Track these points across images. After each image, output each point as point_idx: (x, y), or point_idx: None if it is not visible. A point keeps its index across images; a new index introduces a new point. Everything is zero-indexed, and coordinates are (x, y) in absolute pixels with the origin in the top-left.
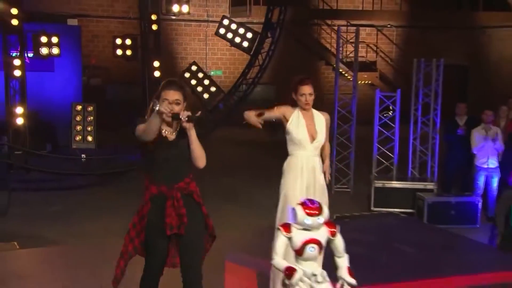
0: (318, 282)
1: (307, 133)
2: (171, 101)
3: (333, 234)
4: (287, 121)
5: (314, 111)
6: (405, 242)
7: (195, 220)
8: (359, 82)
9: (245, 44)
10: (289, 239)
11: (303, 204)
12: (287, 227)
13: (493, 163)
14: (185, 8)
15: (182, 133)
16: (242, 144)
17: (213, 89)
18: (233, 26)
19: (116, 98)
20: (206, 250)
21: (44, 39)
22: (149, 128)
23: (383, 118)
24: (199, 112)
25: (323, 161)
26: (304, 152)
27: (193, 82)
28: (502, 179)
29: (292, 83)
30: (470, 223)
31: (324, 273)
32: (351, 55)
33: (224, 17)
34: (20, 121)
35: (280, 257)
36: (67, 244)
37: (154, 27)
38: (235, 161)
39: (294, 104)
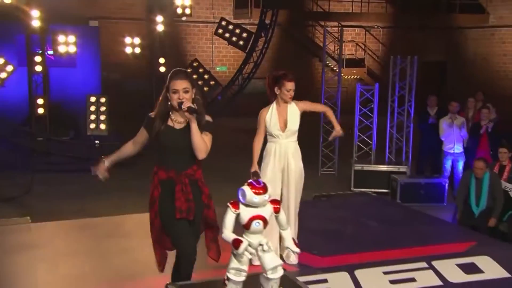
0: (264, 251)
1: (278, 124)
2: (180, 89)
3: (276, 210)
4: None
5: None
6: (372, 218)
7: (198, 206)
8: (349, 76)
9: (241, 42)
10: (237, 215)
11: (250, 184)
12: (235, 204)
13: (458, 148)
14: (187, 11)
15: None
16: (237, 131)
17: (212, 83)
18: (230, 27)
19: (132, 91)
20: (208, 245)
21: (62, 38)
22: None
23: (363, 109)
24: (194, 104)
25: (331, 123)
26: (277, 140)
27: (194, 76)
28: (467, 162)
29: (274, 78)
30: (438, 202)
31: (270, 243)
32: (332, 50)
33: (222, 19)
34: (41, 111)
35: (229, 231)
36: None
37: (160, 27)
38: (231, 146)
39: (273, 96)
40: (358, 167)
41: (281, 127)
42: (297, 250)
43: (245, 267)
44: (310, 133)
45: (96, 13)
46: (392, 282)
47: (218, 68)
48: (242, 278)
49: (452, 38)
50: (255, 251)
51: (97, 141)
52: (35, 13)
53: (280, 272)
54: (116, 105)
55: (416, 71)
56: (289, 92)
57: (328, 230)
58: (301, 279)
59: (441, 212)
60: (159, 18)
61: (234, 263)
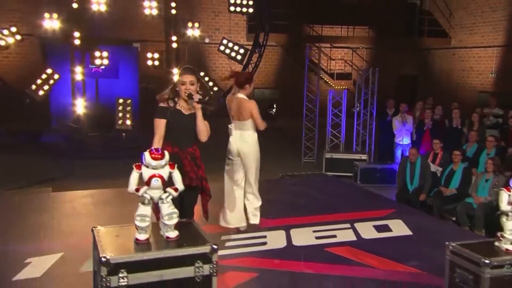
0: (163, 203)
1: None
2: (188, 82)
3: (172, 167)
4: None
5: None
6: (320, 192)
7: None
8: (339, 87)
9: (238, 57)
10: (140, 174)
11: (150, 151)
12: (138, 166)
13: (406, 140)
14: (196, 33)
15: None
16: None
17: (215, 88)
18: (230, 44)
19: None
20: (204, 206)
21: (97, 53)
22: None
23: (335, 110)
24: (207, 98)
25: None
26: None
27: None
28: None
29: (248, 78)
30: (390, 183)
31: (169, 198)
32: (332, 68)
33: (224, 38)
34: (80, 110)
35: (133, 185)
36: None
37: (174, 45)
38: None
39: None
40: (328, 155)
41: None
42: (175, 193)
43: (149, 214)
44: (296, 130)
45: (137, 36)
46: (317, 238)
47: None
48: (146, 223)
49: (422, 57)
50: (150, 197)
51: (123, 134)
52: (77, 34)
53: (174, 220)
54: (151, 109)
55: (377, 80)
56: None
57: (282, 200)
58: (246, 235)
59: (392, 191)
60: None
61: (139, 211)
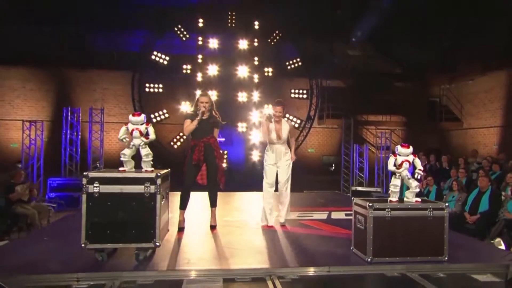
0: (142, 147)
1: (275, 134)
2: (204, 101)
3: (147, 124)
4: None
5: (283, 121)
6: (324, 199)
7: (211, 157)
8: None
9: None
10: (127, 128)
11: (133, 113)
12: (126, 123)
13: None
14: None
15: (210, 117)
16: None
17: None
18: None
19: None
20: (219, 178)
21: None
22: (191, 128)
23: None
24: (219, 119)
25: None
26: (273, 145)
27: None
28: None
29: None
30: None
31: (145, 144)
32: (377, 143)
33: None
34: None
35: (121, 135)
36: None
37: None
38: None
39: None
40: (353, 188)
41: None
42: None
43: (127, 154)
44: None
45: None
46: (298, 216)
47: (310, 150)
48: (126, 158)
49: (442, 136)
50: (133, 144)
51: None
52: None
53: (149, 158)
54: None
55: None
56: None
57: (297, 204)
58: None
59: None
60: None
61: (123, 151)
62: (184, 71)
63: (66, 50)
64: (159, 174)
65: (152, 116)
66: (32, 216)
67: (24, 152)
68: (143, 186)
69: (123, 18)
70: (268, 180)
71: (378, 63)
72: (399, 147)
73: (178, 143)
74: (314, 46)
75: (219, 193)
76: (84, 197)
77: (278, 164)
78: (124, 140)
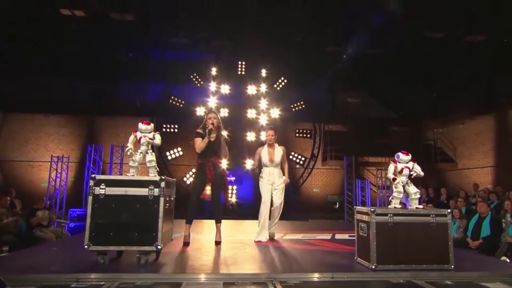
0: (148, 154)
1: (268, 157)
2: (212, 117)
3: (155, 132)
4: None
5: (276, 145)
6: (328, 226)
7: (218, 176)
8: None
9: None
10: (135, 137)
11: (143, 121)
12: (135, 131)
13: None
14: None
15: (217, 139)
16: None
17: None
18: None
19: None
20: (225, 193)
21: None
22: (202, 146)
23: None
24: (223, 139)
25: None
26: (266, 168)
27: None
28: None
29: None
30: None
31: (151, 150)
32: (378, 182)
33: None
34: None
35: (130, 144)
36: None
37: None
38: None
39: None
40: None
41: (269, 160)
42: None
43: (136, 160)
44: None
45: None
46: (304, 238)
47: (315, 190)
48: (135, 164)
49: (439, 176)
50: (140, 151)
51: None
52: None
53: (153, 163)
54: None
55: None
56: (267, 137)
57: (302, 228)
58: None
59: None
60: None
61: (132, 158)
62: (198, 113)
63: (96, 100)
64: (163, 178)
65: (167, 153)
66: (50, 240)
67: (50, 185)
68: (147, 189)
69: (145, 72)
70: (264, 199)
71: (375, 109)
72: (399, 154)
73: (191, 179)
74: (316, 93)
75: (227, 221)
76: (90, 198)
77: (274, 186)
78: (128, 152)
